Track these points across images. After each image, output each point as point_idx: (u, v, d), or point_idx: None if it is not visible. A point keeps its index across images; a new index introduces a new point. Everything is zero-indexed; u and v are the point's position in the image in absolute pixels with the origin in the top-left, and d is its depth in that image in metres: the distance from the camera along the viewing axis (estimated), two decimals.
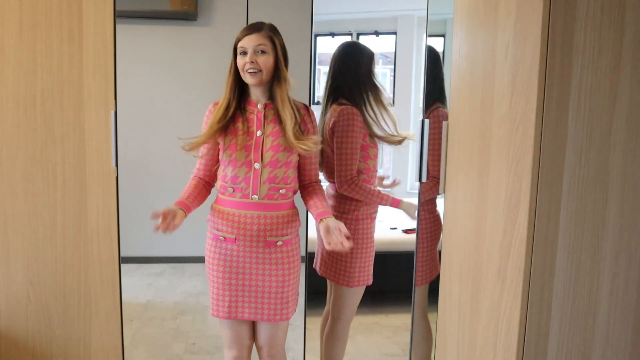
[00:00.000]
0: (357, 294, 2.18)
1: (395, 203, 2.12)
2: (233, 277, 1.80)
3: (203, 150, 1.84)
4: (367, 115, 2.08)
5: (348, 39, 3.07)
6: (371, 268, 2.16)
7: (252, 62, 1.72)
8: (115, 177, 1.91)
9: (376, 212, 2.17)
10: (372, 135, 2.09)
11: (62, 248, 1.95)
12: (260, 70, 1.73)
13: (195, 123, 1.87)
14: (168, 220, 1.63)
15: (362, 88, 2.08)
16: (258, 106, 1.79)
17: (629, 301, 1.33)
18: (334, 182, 2.10)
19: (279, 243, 1.80)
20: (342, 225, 1.69)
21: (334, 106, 2.08)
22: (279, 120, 1.77)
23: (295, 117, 1.78)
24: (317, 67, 2.74)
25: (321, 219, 1.75)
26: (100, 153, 1.90)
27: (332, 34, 3.04)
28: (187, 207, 1.74)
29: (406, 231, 2.87)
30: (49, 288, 1.97)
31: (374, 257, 2.17)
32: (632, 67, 1.23)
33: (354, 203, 2.10)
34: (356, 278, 2.13)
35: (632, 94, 1.25)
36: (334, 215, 2.12)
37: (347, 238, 1.66)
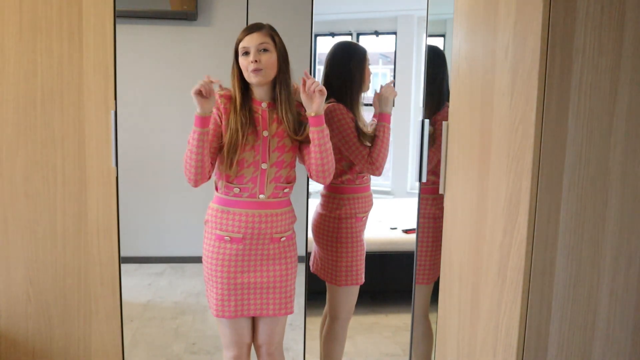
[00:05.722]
0: (350, 293, 2.16)
1: (384, 118, 2.05)
2: (239, 277, 1.80)
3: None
4: (354, 112, 2.06)
5: (348, 39, 3.06)
6: (361, 268, 2.15)
7: (256, 60, 1.72)
8: (115, 177, 1.91)
9: (363, 212, 2.15)
10: (359, 132, 2.06)
11: (62, 248, 1.95)
12: (263, 69, 1.73)
13: None
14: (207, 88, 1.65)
15: (354, 87, 2.08)
16: (262, 105, 1.80)
17: (629, 301, 1.33)
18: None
19: (283, 239, 1.83)
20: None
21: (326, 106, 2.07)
22: (282, 121, 1.78)
23: (298, 116, 1.80)
24: (317, 67, 2.74)
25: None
26: (100, 153, 1.90)
27: (332, 34, 3.04)
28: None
29: (406, 231, 2.86)
30: (49, 288, 1.97)
31: (364, 257, 2.15)
32: (632, 67, 1.23)
33: (336, 202, 2.10)
34: (343, 277, 2.12)
35: (632, 94, 1.24)
36: (321, 213, 2.12)
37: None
